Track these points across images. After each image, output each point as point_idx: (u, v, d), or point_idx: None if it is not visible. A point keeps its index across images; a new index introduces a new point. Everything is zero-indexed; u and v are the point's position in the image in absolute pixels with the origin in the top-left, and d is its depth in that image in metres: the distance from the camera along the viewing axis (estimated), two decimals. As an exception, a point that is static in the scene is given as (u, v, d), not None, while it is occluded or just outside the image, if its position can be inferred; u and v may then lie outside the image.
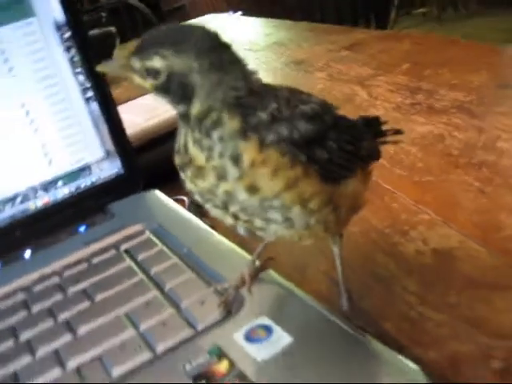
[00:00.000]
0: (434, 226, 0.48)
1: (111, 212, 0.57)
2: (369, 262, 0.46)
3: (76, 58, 0.56)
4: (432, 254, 0.45)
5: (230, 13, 5.01)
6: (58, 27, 0.55)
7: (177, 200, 0.57)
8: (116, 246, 0.50)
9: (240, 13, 4.54)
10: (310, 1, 2.70)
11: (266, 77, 1.04)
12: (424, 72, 0.86)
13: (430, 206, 0.51)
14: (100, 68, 0.36)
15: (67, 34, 0.55)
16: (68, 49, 0.55)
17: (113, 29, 1.64)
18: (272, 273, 0.41)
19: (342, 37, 1.23)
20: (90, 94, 0.57)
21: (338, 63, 1.04)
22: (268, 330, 0.35)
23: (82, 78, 0.56)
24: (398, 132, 0.47)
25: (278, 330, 0.34)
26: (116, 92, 0.58)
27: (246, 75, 0.33)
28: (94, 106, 0.57)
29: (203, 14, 2.36)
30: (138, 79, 0.35)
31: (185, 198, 0.59)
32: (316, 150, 0.33)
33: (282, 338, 0.34)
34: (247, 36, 1.51)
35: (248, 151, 0.32)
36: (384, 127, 0.46)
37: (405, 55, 0.98)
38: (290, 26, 1.54)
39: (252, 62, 1.17)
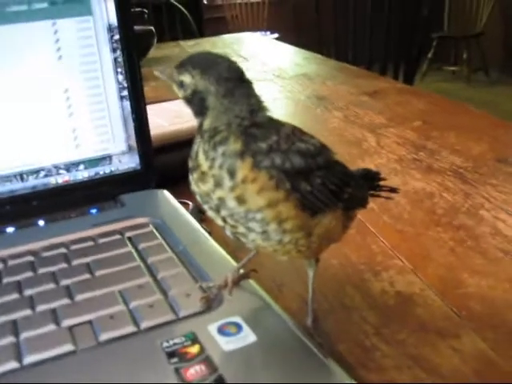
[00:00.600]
0: (403, 272, 0.54)
1: (122, 202, 0.63)
2: (339, 292, 0.51)
3: (120, 59, 0.62)
4: (395, 295, 0.50)
5: (267, 33, 5.08)
6: (110, 29, 0.61)
7: (182, 202, 0.63)
8: (121, 232, 0.56)
9: (276, 35, 4.62)
10: (345, 38, 2.77)
11: (287, 105, 1.11)
12: (432, 132, 0.92)
13: (405, 254, 0.57)
14: (156, 72, 0.43)
15: (116, 37, 0.61)
16: (114, 50, 0.61)
17: (152, 28, 1.70)
18: (252, 283, 0.47)
19: (366, 82, 1.30)
20: (125, 93, 0.63)
21: (357, 107, 1.10)
22: (238, 327, 0.40)
23: (121, 77, 0.62)
24: (393, 190, 0.53)
25: (246, 330, 0.40)
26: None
27: (254, 109, 0.40)
28: (127, 104, 0.63)
29: (241, 29, 2.42)
30: (175, 88, 0.42)
31: (189, 202, 0.65)
32: (301, 182, 0.39)
33: (248, 337, 0.39)
34: (278, 62, 1.58)
35: (242, 169, 0.38)
36: (382, 182, 0.52)
37: (419, 112, 1.04)
38: (320, 61, 1.61)
39: (278, 88, 1.25)
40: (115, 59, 0.62)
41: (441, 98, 1.15)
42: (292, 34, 4.71)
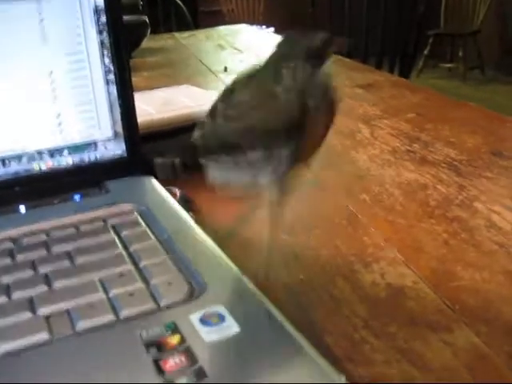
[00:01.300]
0: (394, 264, 0.52)
1: (107, 188, 0.61)
2: (329, 283, 0.50)
3: (106, 42, 0.60)
4: (386, 287, 0.49)
5: (263, 27, 5.07)
6: (97, 11, 0.59)
7: (169, 190, 0.61)
8: (104, 219, 0.54)
9: (272, 29, 4.61)
10: (341, 32, 2.75)
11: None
12: (426, 125, 0.90)
13: (397, 245, 0.55)
14: None
15: (103, 19, 0.59)
16: (101, 32, 0.59)
17: (145, 18, 1.68)
18: (237, 271, 0.45)
19: (360, 75, 1.28)
20: (112, 77, 0.61)
21: (351, 99, 1.08)
22: (221, 317, 0.38)
23: (107, 60, 0.60)
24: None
25: (229, 320, 0.38)
26: (135, 80, 0.63)
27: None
28: (113, 89, 0.61)
29: (237, 23, 2.40)
30: None
31: (177, 191, 0.63)
32: None
33: (231, 327, 0.38)
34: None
35: None
36: None
37: (413, 105, 1.02)
38: (314, 53, 1.59)
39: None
40: (101, 42, 0.60)
41: (435, 92, 1.14)
42: (288, 28, 4.68)
